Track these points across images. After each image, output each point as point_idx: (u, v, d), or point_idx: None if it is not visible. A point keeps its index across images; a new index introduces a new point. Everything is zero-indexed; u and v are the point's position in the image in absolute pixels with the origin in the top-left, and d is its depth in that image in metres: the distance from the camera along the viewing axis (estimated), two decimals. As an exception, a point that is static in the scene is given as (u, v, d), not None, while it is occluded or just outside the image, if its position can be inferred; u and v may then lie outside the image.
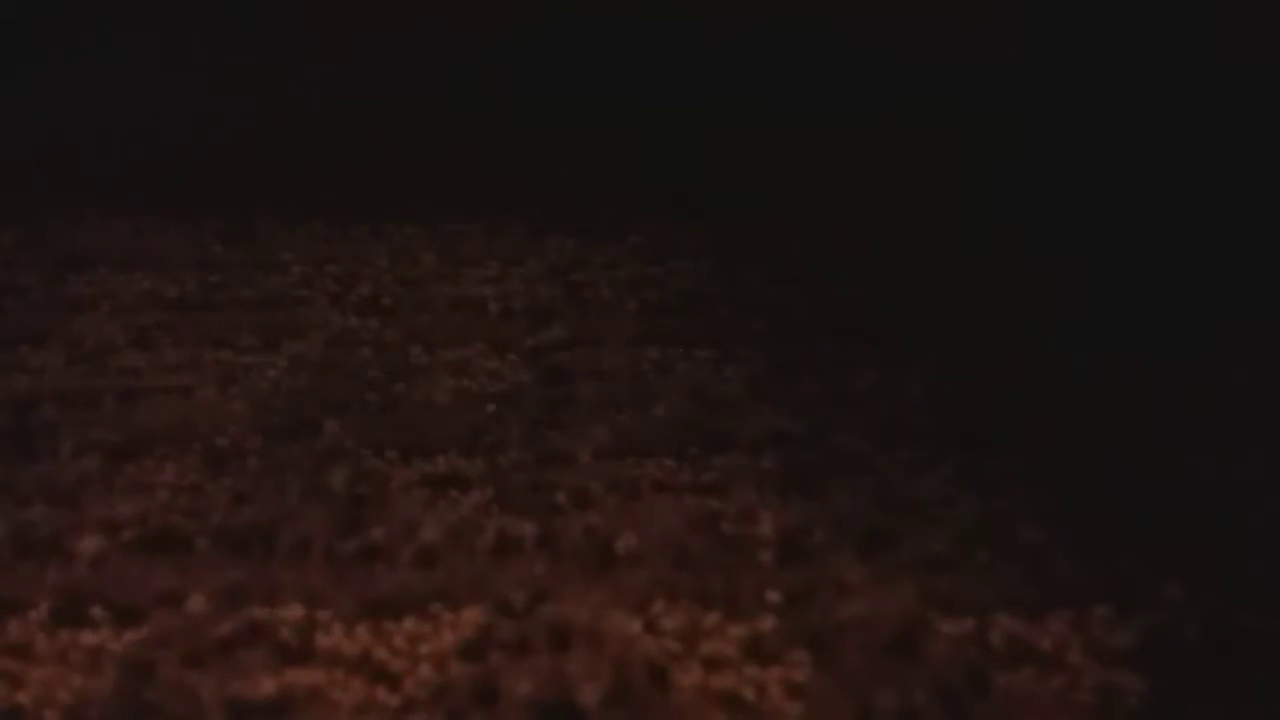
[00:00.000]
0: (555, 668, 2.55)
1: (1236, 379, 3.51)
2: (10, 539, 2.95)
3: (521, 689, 2.50)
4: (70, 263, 4.28)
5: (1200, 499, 3.04)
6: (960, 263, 4.23)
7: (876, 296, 4.03)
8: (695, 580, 2.79)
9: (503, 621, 2.68)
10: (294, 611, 2.70)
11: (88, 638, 2.66)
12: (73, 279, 4.18)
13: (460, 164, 4.99)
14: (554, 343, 3.78)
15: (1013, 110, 4.98)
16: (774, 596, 2.73)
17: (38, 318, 3.97)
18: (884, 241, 4.39)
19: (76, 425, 3.37)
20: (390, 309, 4.01)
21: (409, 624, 2.67)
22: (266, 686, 2.52)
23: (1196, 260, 4.07)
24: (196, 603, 2.73)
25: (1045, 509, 3.00)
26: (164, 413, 3.44)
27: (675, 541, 2.91)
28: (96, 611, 2.72)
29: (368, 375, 3.63)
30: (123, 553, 2.91)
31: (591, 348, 3.75)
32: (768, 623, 2.66)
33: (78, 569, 2.86)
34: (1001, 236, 4.38)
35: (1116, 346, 3.71)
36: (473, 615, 2.69)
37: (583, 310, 4.00)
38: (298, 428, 3.37)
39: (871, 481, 3.13)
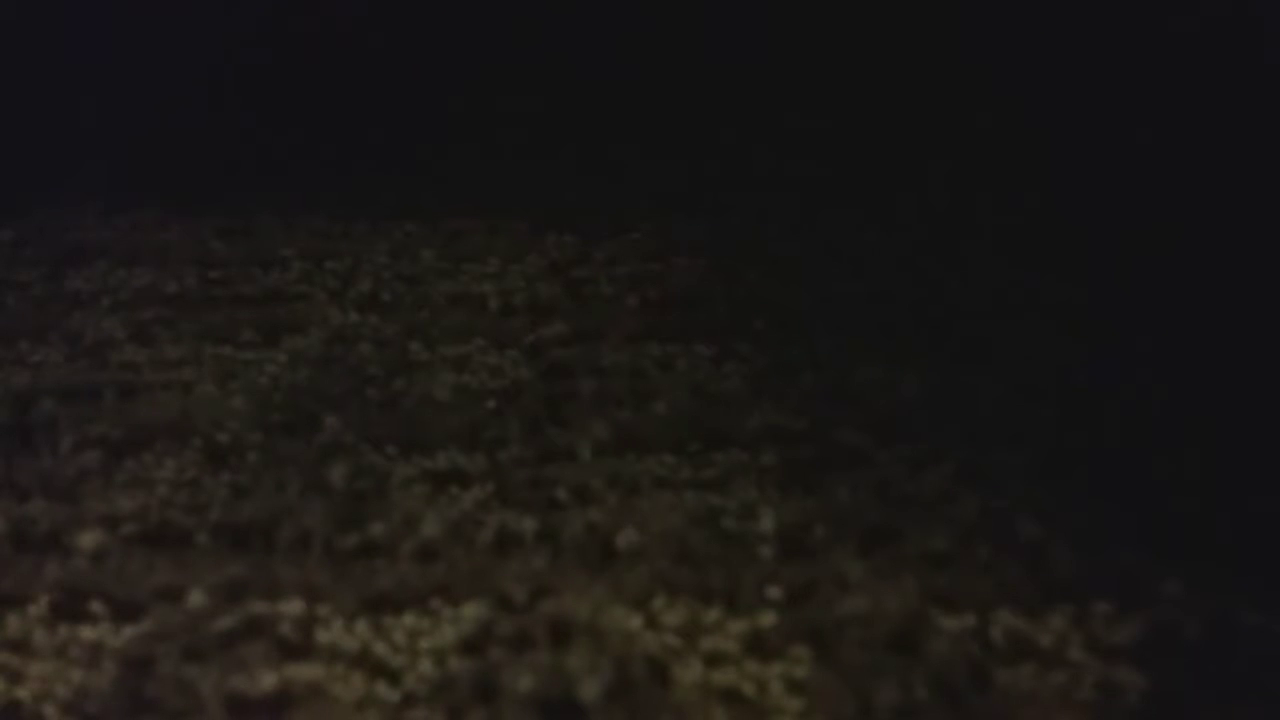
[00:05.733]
0: (556, 663, 2.55)
1: (1236, 377, 3.51)
2: (10, 534, 2.96)
3: (522, 684, 2.51)
4: (70, 258, 4.27)
5: (1200, 498, 3.04)
6: (960, 261, 4.23)
7: (876, 294, 4.03)
8: (696, 576, 2.79)
9: (503, 617, 2.68)
10: (294, 606, 2.71)
11: (87, 633, 2.67)
12: (72, 274, 4.18)
13: (461, 160, 4.98)
14: (554, 339, 3.78)
15: (1014, 111, 4.98)
16: (774, 592, 2.73)
17: (37, 313, 3.97)
18: (884, 240, 4.39)
19: (76, 420, 3.37)
20: (390, 305, 4.00)
21: (409, 619, 2.68)
22: (266, 681, 2.53)
23: (1196, 259, 4.07)
24: (196, 598, 2.73)
25: (1046, 505, 3.00)
26: (164, 408, 3.44)
27: (676, 537, 2.91)
28: (96, 606, 2.73)
29: (367, 371, 3.63)
30: (122, 548, 2.91)
31: (592, 344, 3.75)
32: (768, 618, 2.67)
33: (77, 564, 2.86)
34: (1002, 235, 4.38)
35: (1116, 344, 3.70)
36: (473, 611, 2.69)
37: (583, 307, 3.99)
38: (297, 423, 3.37)
39: (872, 477, 3.13)
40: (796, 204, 4.66)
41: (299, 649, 2.61)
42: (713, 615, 2.67)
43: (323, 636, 2.64)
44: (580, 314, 3.94)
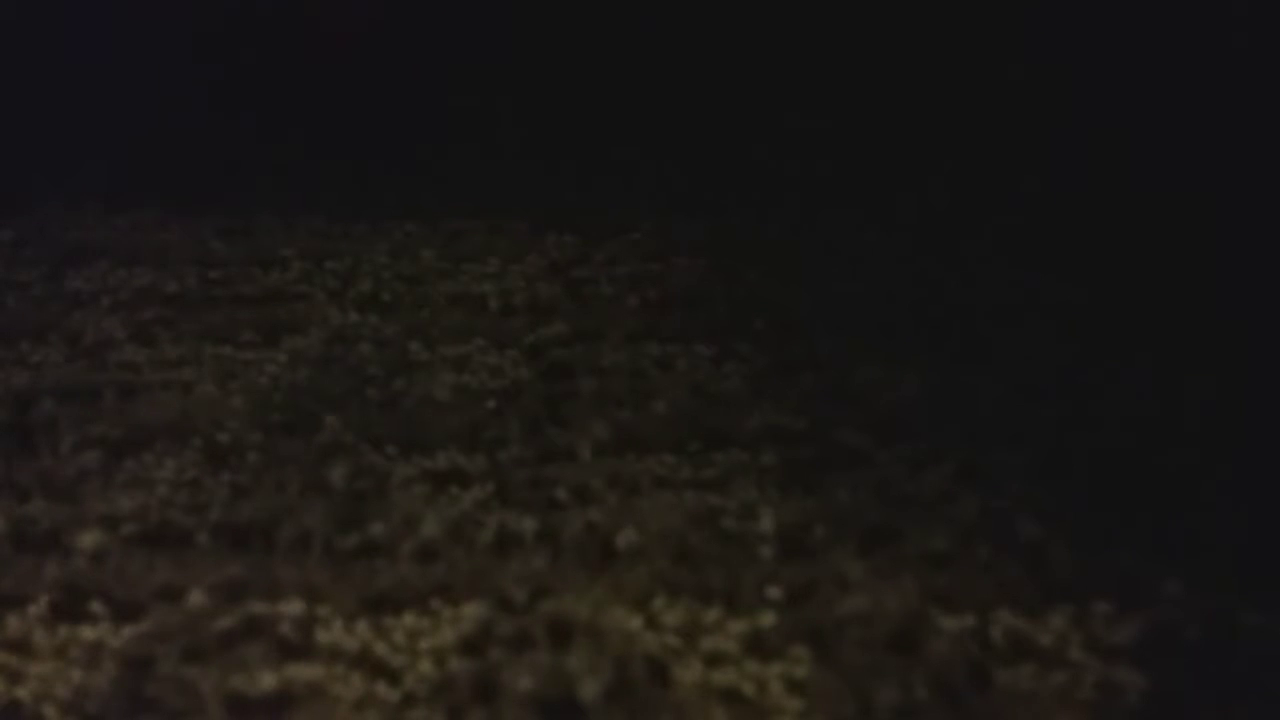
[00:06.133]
0: (555, 663, 2.55)
1: (1236, 377, 3.51)
2: (10, 534, 2.96)
3: (522, 684, 2.50)
4: (70, 258, 4.27)
5: (1200, 498, 3.04)
6: (960, 261, 4.23)
7: (876, 294, 4.03)
8: (696, 576, 2.79)
9: (503, 617, 2.68)
10: (294, 606, 2.70)
11: (87, 633, 2.67)
12: (73, 274, 4.18)
13: (461, 160, 4.99)
14: (554, 339, 3.78)
15: (1014, 110, 4.98)
16: (774, 592, 2.73)
17: (38, 313, 3.97)
18: (884, 240, 4.39)
19: (76, 420, 3.37)
20: (390, 305, 4.00)
21: (409, 619, 2.68)
22: (266, 681, 2.53)
23: (1196, 260, 4.07)
24: (196, 598, 2.73)
25: (1045, 505, 3.00)
26: (164, 408, 3.44)
27: (676, 537, 2.91)
28: (96, 606, 2.73)
29: (367, 371, 3.63)
30: (122, 548, 2.91)
31: (592, 344, 3.75)
32: (768, 618, 2.67)
33: (77, 564, 2.86)
34: (1001, 235, 4.38)
35: (1116, 344, 3.70)
36: (473, 611, 2.69)
37: (583, 307, 3.99)
38: (297, 423, 3.37)
39: (872, 477, 3.13)
40: (796, 204, 4.67)
41: (299, 649, 2.61)
42: (713, 615, 2.67)
43: (323, 636, 2.64)
44: (580, 314, 3.94)
